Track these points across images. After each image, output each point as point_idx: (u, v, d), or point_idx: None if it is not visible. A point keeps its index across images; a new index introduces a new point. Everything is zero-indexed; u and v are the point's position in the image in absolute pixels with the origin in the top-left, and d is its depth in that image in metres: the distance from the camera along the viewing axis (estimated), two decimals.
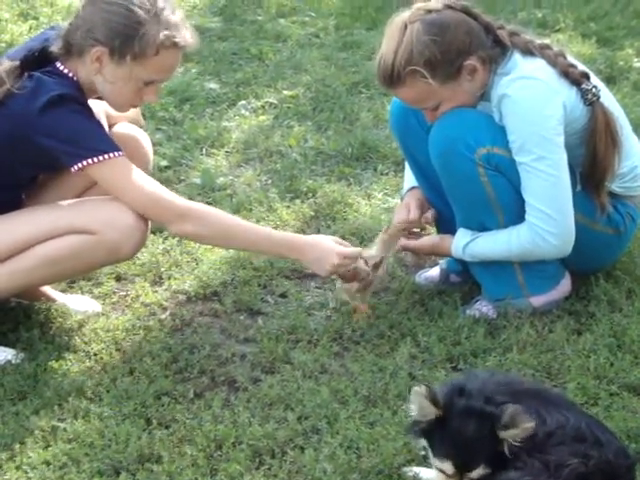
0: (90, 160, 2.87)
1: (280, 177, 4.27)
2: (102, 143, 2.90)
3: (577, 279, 3.27)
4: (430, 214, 3.33)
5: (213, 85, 5.20)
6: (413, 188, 3.38)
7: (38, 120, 2.85)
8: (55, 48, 2.94)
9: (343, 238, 3.72)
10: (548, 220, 3.02)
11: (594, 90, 3.03)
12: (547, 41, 3.14)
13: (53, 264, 2.96)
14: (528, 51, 3.03)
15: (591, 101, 3.03)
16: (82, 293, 3.45)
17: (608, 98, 3.13)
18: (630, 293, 3.26)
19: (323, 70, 5.36)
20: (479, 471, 2.23)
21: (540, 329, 3.09)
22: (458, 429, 2.23)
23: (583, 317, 3.17)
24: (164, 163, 4.35)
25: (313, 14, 6.30)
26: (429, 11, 2.99)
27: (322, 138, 4.61)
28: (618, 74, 5.29)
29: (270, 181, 4.26)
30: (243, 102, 5.02)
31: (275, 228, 3.77)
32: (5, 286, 2.99)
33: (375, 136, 4.58)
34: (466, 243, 3.15)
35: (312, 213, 3.95)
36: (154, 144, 4.37)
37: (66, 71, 2.93)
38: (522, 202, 3.05)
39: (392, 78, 3.00)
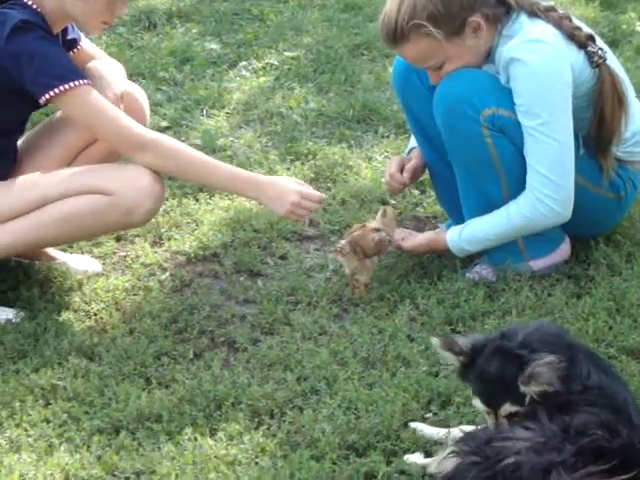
0: (57, 90, 2.88)
1: (280, 139, 4.25)
2: (68, 71, 2.92)
3: (577, 243, 3.27)
4: (407, 171, 3.30)
5: (214, 46, 5.16)
6: (414, 149, 3.38)
7: (5, 47, 2.86)
8: None
9: (343, 201, 3.74)
10: (550, 185, 3.02)
11: (600, 52, 3.02)
12: (552, 3, 3.12)
13: (68, 221, 2.97)
14: (533, 13, 3.01)
15: (598, 63, 3.02)
16: (82, 253, 3.44)
17: (613, 61, 3.11)
18: (630, 257, 3.26)
19: (324, 31, 5.32)
20: (507, 408, 2.23)
21: (539, 292, 3.09)
22: (483, 367, 2.27)
23: (582, 281, 3.17)
24: (164, 124, 4.33)
25: None
26: None
27: (323, 100, 4.58)
28: (621, 38, 5.25)
29: (270, 143, 4.24)
30: (244, 63, 4.99)
31: None
32: (21, 239, 2.99)
33: (376, 98, 4.55)
34: (461, 229, 3.14)
35: (312, 175, 3.93)
36: (154, 105, 4.38)
37: (30, 3, 2.95)
38: (525, 165, 3.04)
39: (396, 35, 2.99)
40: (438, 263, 3.28)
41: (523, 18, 3.01)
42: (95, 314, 3.10)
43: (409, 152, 3.41)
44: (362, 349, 2.86)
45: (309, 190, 3.06)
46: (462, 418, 2.54)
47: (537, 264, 3.19)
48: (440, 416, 2.57)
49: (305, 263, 3.39)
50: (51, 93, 2.88)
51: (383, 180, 3.63)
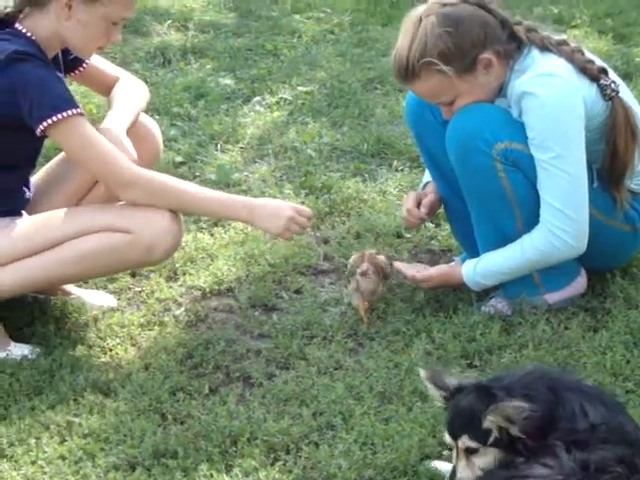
0: (50, 120, 2.87)
1: (295, 173, 4.27)
2: (61, 100, 2.91)
3: (593, 276, 3.26)
4: (425, 206, 3.32)
5: (228, 81, 5.20)
6: (429, 183, 3.39)
7: (1, 78, 2.86)
8: (10, 9, 2.96)
9: (358, 234, 3.74)
10: (564, 219, 3.01)
11: (613, 85, 3.02)
12: (564, 37, 3.14)
13: (87, 259, 2.98)
14: (545, 47, 3.02)
15: (610, 96, 3.02)
16: (97, 288, 3.45)
17: (627, 94, 3.12)
18: None
19: (338, 66, 5.36)
20: (465, 440, 2.25)
21: (556, 326, 3.07)
22: (458, 399, 2.31)
23: (599, 314, 3.16)
24: (179, 159, 4.35)
25: (328, 10, 6.29)
26: (444, 5, 2.99)
27: (337, 134, 4.60)
28: (634, 70, 5.26)
29: (285, 177, 4.26)
30: (258, 98, 5.02)
31: None
32: (40, 276, 3.00)
33: (390, 132, 4.57)
34: (476, 262, 3.15)
35: (327, 209, 3.94)
36: (169, 140, 4.41)
37: (24, 31, 2.96)
38: (539, 198, 3.04)
39: (407, 72, 3.00)
40: (453, 297, 3.27)
41: (535, 53, 3.02)
42: (110, 350, 3.10)
43: (424, 186, 3.41)
44: (378, 384, 2.85)
45: (301, 206, 3.11)
46: None
47: (553, 297, 3.18)
48: None
49: (320, 297, 3.39)
50: (45, 124, 2.88)
51: (398, 214, 3.64)
